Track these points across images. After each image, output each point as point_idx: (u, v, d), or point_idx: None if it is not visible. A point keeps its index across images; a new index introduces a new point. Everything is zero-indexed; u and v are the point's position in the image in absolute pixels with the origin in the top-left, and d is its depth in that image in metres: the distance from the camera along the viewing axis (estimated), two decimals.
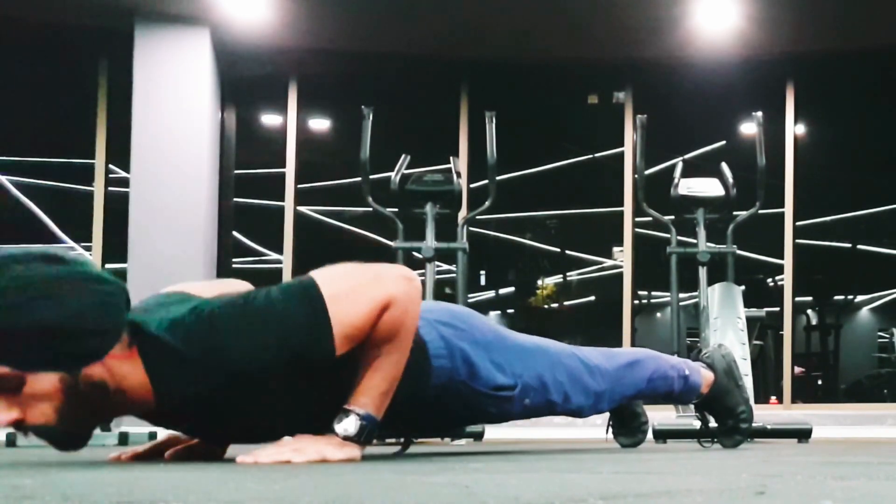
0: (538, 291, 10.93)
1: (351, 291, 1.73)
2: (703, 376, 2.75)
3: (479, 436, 4.42)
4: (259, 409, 1.80)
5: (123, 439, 3.72)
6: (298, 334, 1.69)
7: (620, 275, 8.62)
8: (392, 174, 4.70)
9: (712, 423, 2.90)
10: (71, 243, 8.95)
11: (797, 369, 9.02)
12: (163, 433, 2.17)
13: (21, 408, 1.58)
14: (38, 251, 1.59)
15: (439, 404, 2.05)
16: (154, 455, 2.02)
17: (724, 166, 4.79)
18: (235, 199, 8.70)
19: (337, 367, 1.77)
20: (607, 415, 3.03)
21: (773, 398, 8.28)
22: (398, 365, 1.79)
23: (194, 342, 1.66)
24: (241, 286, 1.97)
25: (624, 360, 2.53)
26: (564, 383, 2.30)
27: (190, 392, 1.69)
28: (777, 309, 8.41)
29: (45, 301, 1.54)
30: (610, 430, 3.04)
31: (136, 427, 3.32)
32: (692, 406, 2.97)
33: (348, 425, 1.74)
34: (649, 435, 4.11)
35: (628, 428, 3.01)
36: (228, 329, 1.67)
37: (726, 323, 4.37)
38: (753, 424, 2.93)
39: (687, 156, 7.34)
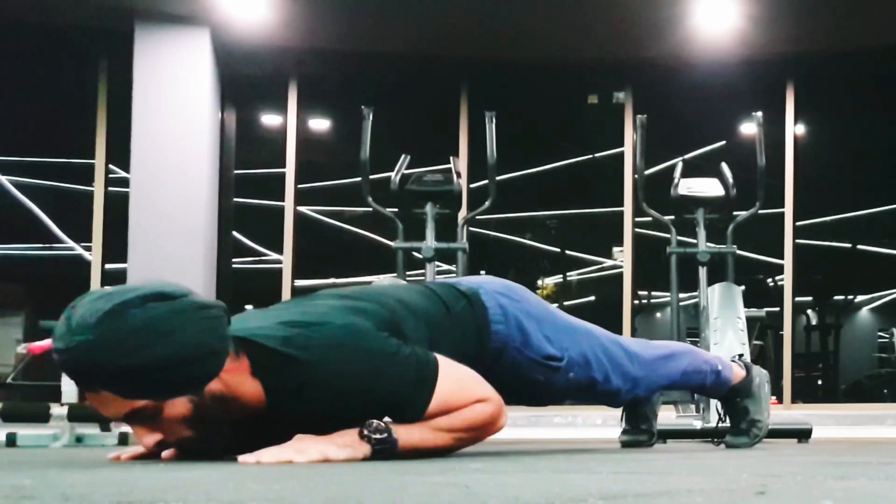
0: (538, 291, 10.93)
1: (461, 379, 1.94)
2: (735, 374, 2.79)
3: None
4: (324, 424, 1.90)
5: (124, 439, 3.72)
6: (402, 388, 1.86)
7: (620, 275, 8.62)
8: (392, 174, 4.70)
9: (713, 418, 2.91)
10: (71, 243, 8.95)
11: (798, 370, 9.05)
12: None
13: (161, 430, 1.79)
14: (147, 291, 1.73)
15: (495, 367, 2.16)
16: (152, 455, 2.03)
17: (724, 166, 4.78)
18: (235, 199, 8.71)
19: None
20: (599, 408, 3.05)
21: (773, 398, 8.27)
22: (441, 447, 1.91)
23: (303, 348, 1.83)
24: None
25: (661, 352, 2.61)
26: (605, 363, 2.40)
27: (293, 385, 1.82)
28: (777, 309, 8.41)
29: (164, 338, 1.70)
30: (623, 422, 3.05)
31: None
32: (717, 398, 2.99)
33: (378, 436, 1.82)
34: None
35: (636, 429, 3.01)
36: (345, 349, 1.84)
37: (726, 323, 4.37)
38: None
39: (687, 156, 7.34)
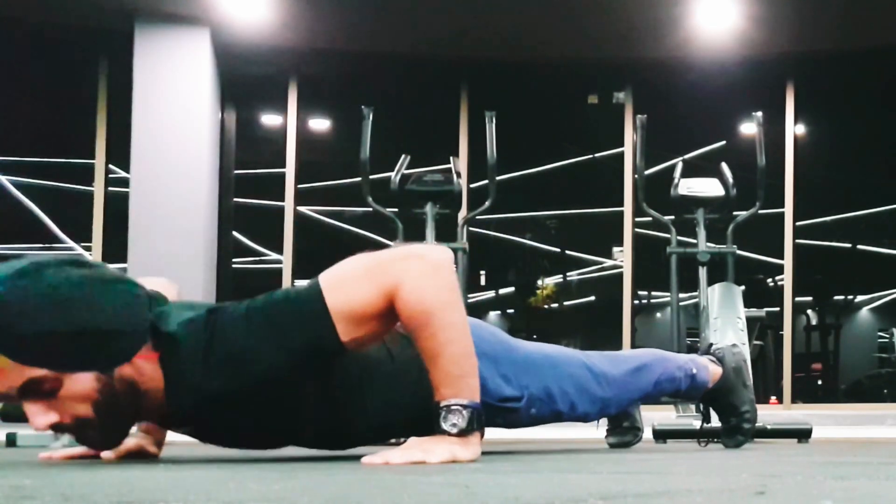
0: (538, 291, 10.93)
1: (350, 279, 1.71)
2: (711, 372, 2.73)
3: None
4: (270, 412, 1.80)
5: None
6: (301, 327, 1.68)
7: (620, 275, 8.62)
8: (392, 174, 4.70)
9: (713, 421, 2.89)
10: (71, 243, 8.95)
11: (815, 365, 9.07)
12: None
13: (58, 411, 1.63)
14: (65, 257, 1.63)
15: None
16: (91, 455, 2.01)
17: (724, 166, 4.78)
18: (235, 199, 8.71)
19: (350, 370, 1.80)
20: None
21: (773, 398, 8.28)
22: (456, 342, 1.72)
23: (209, 342, 1.68)
24: (164, 289, 1.97)
25: (631, 366, 2.51)
26: (571, 393, 2.30)
27: (201, 392, 1.70)
28: (777, 309, 8.41)
29: (79, 303, 1.58)
30: (602, 424, 3.04)
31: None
32: (695, 400, 2.96)
33: (456, 420, 1.69)
34: (650, 435, 4.10)
35: (620, 428, 3.00)
36: (241, 329, 1.68)
37: (726, 323, 4.37)
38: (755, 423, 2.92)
39: (687, 156, 7.34)
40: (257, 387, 1.70)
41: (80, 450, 2.07)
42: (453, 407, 1.70)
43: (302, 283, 1.79)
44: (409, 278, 1.70)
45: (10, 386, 1.59)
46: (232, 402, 1.72)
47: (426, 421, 1.77)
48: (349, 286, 1.71)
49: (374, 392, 1.92)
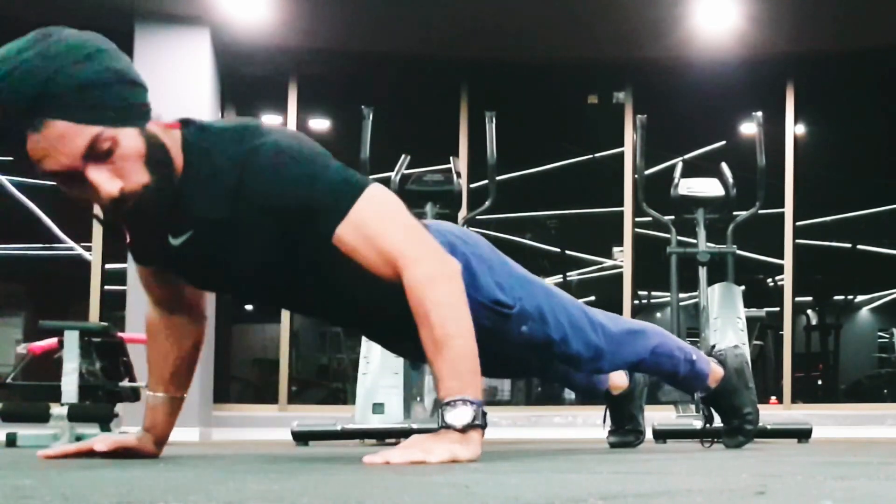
0: None
1: (392, 218, 1.78)
2: (713, 369, 2.73)
3: None
4: (249, 257, 1.83)
5: None
6: (323, 197, 1.75)
7: (620, 275, 8.62)
8: (392, 174, 4.71)
9: (717, 422, 2.89)
10: (71, 243, 8.95)
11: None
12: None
13: (119, 175, 1.68)
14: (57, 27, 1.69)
15: None
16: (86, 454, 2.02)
17: (724, 166, 4.79)
18: None
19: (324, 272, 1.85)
20: (599, 409, 3.03)
21: (773, 398, 8.28)
22: (464, 339, 1.73)
23: (238, 145, 1.76)
24: None
25: (628, 327, 2.50)
26: (565, 325, 2.25)
27: (207, 200, 1.76)
28: (777, 309, 8.41)
29: (101, 54, 1.66)
30: (607, 423, 3.04)
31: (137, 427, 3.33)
32: (698, 400, 2.95)
33: (461, 415, 1.68)
34: (650, 435, 4.10)
35: (623, 429, 3.00)
36: (273, 163, 1.75)
37: (726, 323, 4.38)
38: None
39: (687, 156, 7.35)
40: (255, 219, 1.76)
41: (77, 446, 2.07)
42: (458, 402, 1.69)
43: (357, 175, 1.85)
44: (428, 262, 1.75)
45: (76, 150, 1.62)
46: (229, 227, 1.78)
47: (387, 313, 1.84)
48: (382, 218, 1.77)
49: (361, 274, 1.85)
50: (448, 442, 1.67)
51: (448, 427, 1.68)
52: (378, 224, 1.76)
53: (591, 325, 2.34)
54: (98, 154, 1.64)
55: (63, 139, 1.62)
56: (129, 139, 1.67)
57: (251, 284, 1.97)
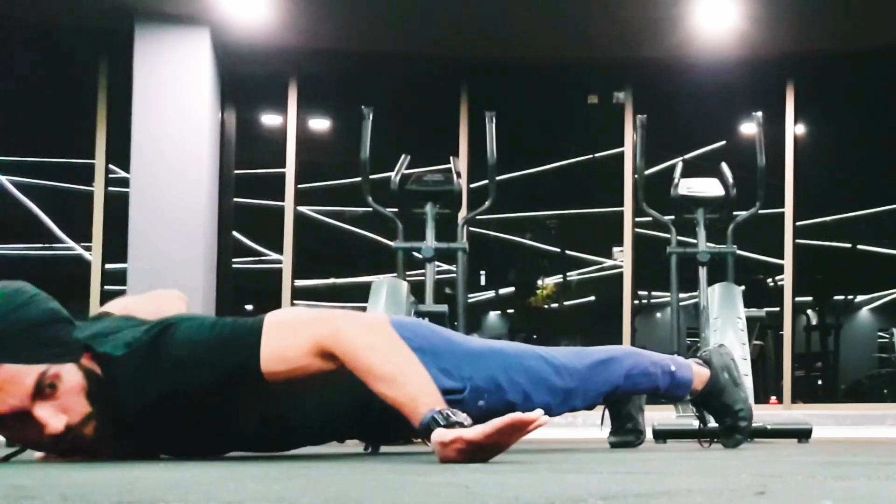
0: (538, 291, 10.93)
1: (291, 325, 1.84)
2: (696, 373, 2.72)
3: None
4: (207, 416, 1.90)
5: None
6: (234, 349, 1.81)
7: (620, 275, 8.62)
8: (392, 174, 4.70)
9: (711, 422, 2.89)
10: (71, 243, 8.95)
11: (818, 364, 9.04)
12: None
13: (64, 411, 1.76)
14: None
15: (386, 413, 1.89)
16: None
17: (724, 166, 4.79)
18: (235, 199, 8.70)
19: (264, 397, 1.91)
20: (601, 408, 3.02)
21: (773, 398, 8.28)
22: (411, 365, 1.78)
23: (147, 355, 1.81)
24: (173, 301, 2.16)
25: (597, 358, 2.50)
26: (523, 383, 2.28)
27: (130, 403, 1.82)
28: (777, 309, 8.41)
29: (30, 302, 1.76)
30: (605, 425, 3.03)
31: None
32: (682, 401, 2.95)
33: (460, 415, 1.69)
34: (650, 435, 4.10)
35: (623, 430, 3.00)
36: (177, 342, 1.82)
37: (726, 323, 4.37)
38: (753, 424, 2.91)
39: (687, 156, 7.34)
40: (192, 394, 1.82)
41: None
42: (448, 409, 1.70)
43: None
44: (347, 326, 1.81)
45: (24, 390, 1.71)
46: (171, 404, 1.83)
47: (364, 416, 1.90)
48: (287, 330, 1.83)
49: (308, 390, 1.98)
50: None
51: (458, 424, 1.67)
52: (289, 338, 1.82)
53: (554, 371, 2.36)
54: (43, 392, 1.73)
55: (12, 381, 1.71)
56: (70, 374, 1.76)
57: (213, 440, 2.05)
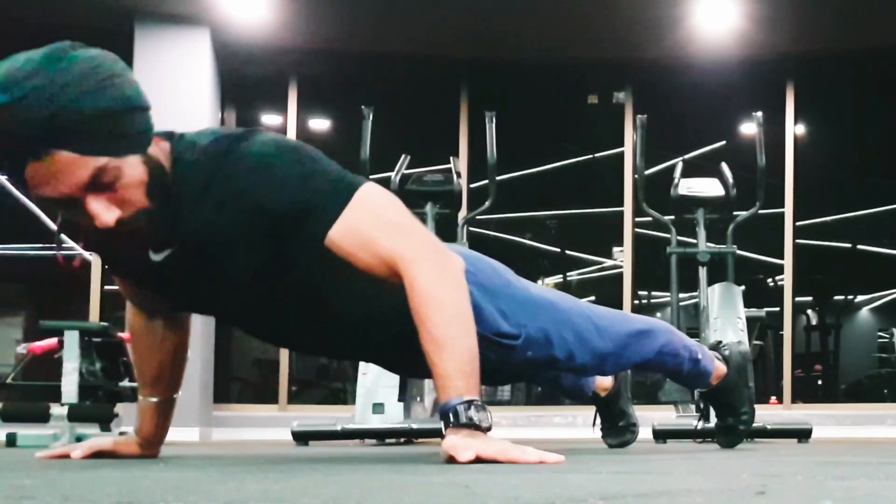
0: None
1: (382, 220, 1.72)
2: (716, 366, 2.71)
3: None
4: (236, 269, 1.77)
5: None
6: (315, 197, 1.70)
7: (620, 275, 8.62)
8: (392, 174, 4.70)
9: (712, 418, 2.89)
10: (71, 243, 8.93)
11: (816, 367, 9.04)
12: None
13: (119, 205, 1.63)
14: (66, 43, 1.59)
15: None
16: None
17: (724, 166, 4.79)
18: None
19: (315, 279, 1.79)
20: (593, 409, 3.02)
21: (773, 398, 8.28)
22: (468, 338, 1.69)
23: (225, 157, 1.71)
24: None
25: (636, 328, 2.43)
26: (570, 341, 2.21)
27: (192, 208, 1.71)
28: (777, 309, 8.41)
29: (112, 80, 1.59)
30: (597, 427, 3.03)
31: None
32: (697, 396, 2.95)
33: (482, 416, 1.66)
34: (649, 435, 4.10)
35: (616, 427, 2.99)
36: (259, 154, 1.71)
37: (726, 323, 4.38)
38: (753, 424, 2.92)
39: (687, 156, 7.34)
40: (247, 224, 1.71)
41: (59, 451, 2.07)
42: (476, 403, 1.67)
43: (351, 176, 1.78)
44: (426, 263, 1.70)
45: (79, 181, 1.57)
46: (216, 234, 1.73)
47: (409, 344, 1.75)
48: (371, 220, 1.71)
49: (354, 281, 1.82)
50: (490, 441, 1.65)
51: (475, 426, 1.65)
52: (373, 224, 1.71)
53: (597, 332, 2.28)
54: (100, 185, 1.60)
55: (66, 170, 1.56)
56: (132, 168, 1.63)
57: (235, 303, 1.90)
